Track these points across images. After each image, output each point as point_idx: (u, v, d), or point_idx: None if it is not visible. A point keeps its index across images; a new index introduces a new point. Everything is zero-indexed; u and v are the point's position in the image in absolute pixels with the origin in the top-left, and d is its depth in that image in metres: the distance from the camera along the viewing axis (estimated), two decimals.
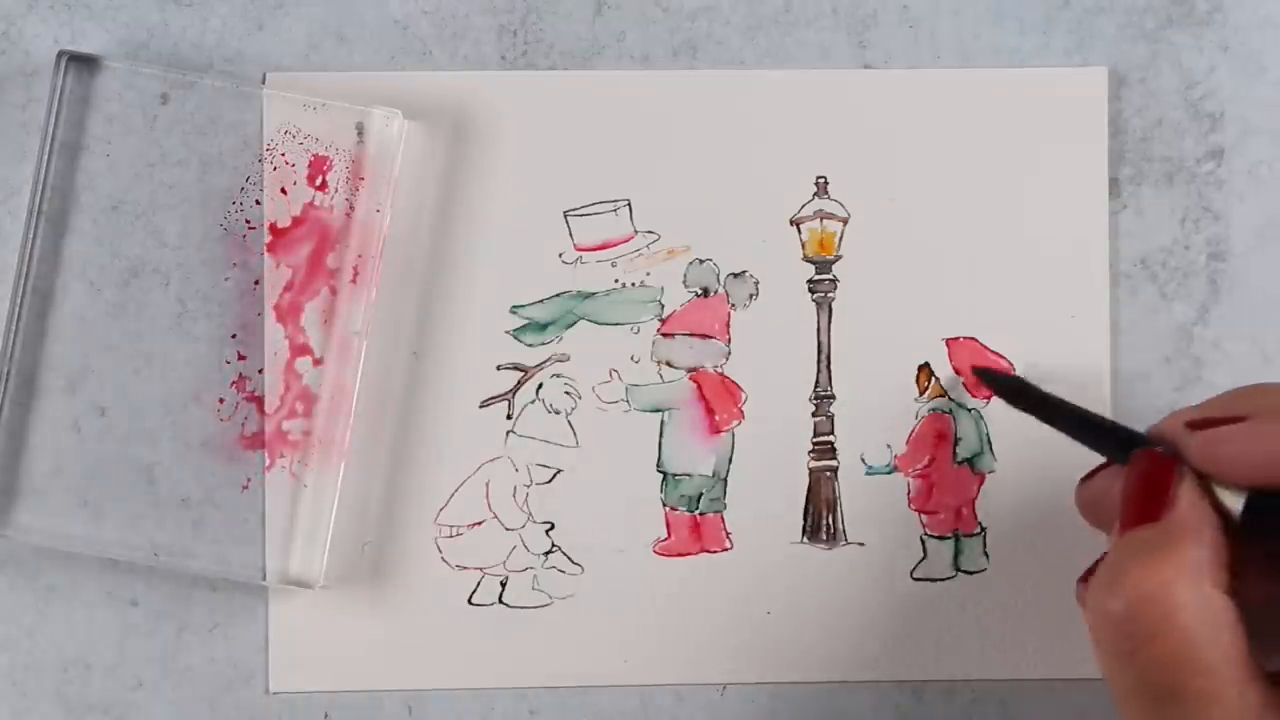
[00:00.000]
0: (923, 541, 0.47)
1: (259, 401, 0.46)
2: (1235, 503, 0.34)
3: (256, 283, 0.47)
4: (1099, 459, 0.39)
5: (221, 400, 0.46)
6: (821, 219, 0.47)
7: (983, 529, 0.47)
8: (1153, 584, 0.32)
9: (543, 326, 0.47)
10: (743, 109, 0.47)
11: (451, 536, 0.47)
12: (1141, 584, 0.32)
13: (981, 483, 0.47)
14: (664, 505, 0.47)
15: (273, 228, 0.46)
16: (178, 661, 0.47)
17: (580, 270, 0.47)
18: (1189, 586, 0.32)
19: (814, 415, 0.47)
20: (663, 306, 0.47)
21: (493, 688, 0.47)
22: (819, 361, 0.47)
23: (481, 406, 0.47)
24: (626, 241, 0.47)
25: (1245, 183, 0.47)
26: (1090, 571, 0.39)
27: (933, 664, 0.47)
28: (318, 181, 0.47)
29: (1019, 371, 0.47)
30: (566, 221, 0.47)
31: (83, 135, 0.46)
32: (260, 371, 0.46)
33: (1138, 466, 0.36)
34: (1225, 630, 0.32)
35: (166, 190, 0.47)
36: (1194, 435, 0.35)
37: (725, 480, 0.47)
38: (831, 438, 0.47)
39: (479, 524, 0.47)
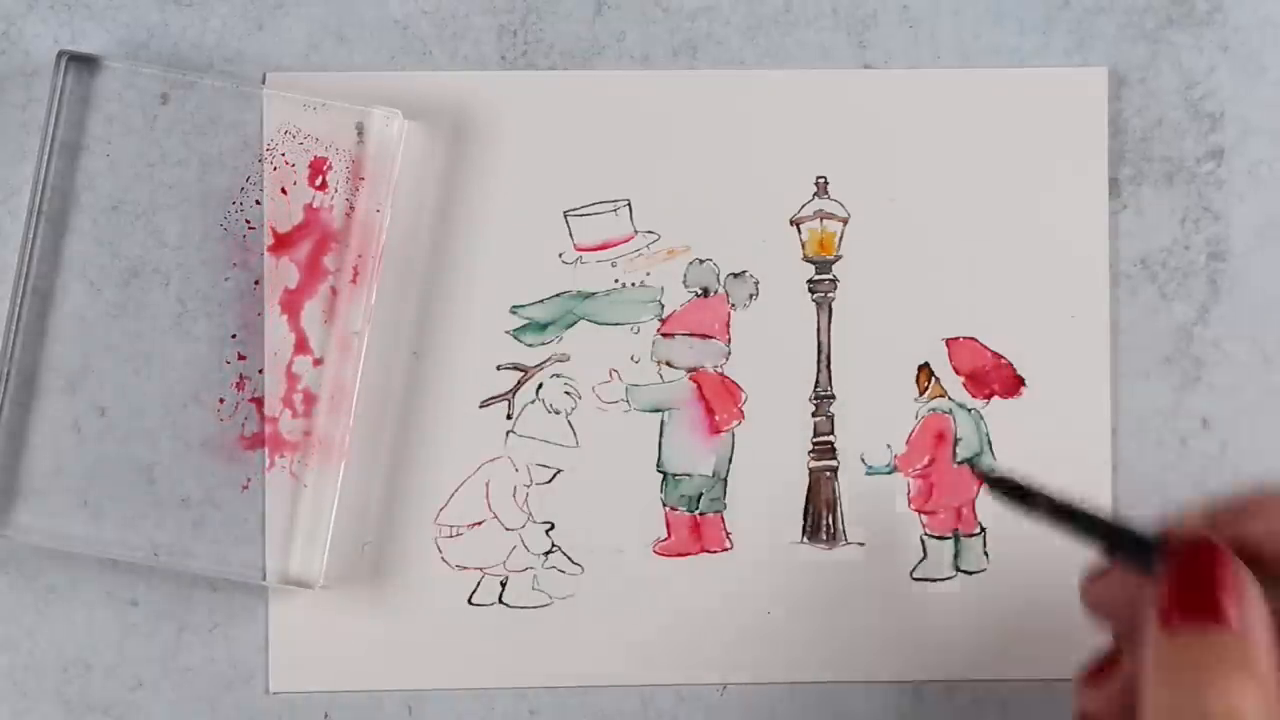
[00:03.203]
0: (923, 541, 0.47)
1: (259, 401, 0.46)
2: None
3: (256, 283, 0.47)
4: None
5: (221, 400, 0.46)
6: (821, 219, 0.47)
7: (983, 529, 0.47)
8: (1238, 699, 0.30)
9: (543, 326, 0.47)
10: (743, 109, 0.47)
11: (451, 536, 0.47)
12: (1226, 702, 0.30)
13: (981, 483, 0.47)
14: (664, 505, 0.47)
15: (273, 228, 0.46)
16: (178, 661, 0.47)
17: (580, 270, 0.47)
18: (1266, 704, 0.30)
19: (814, 415, 0.47)
20: (663, 306, 0.47)
21: (493, 688, 0.47)
22: (819, 361, 0.47)
23: (481, 406, 0.47)
24: (626, 241, 0.47)
25: (1245, 183, 0.47)
26: (1100, 575, 0.37)
27: (933, 664, 0.47)
28: (318, 181, 0.47)
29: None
30: (566, 221, 0.47)
31: (83, 135, 0.46)
32: (260, 371, 0.46)
33: (1184, 557, 0.32)
34: None
35: (166, 190, 0.47)
36: (1219, 519, 0.33)
37: (725, 480, 0.47)
38: (831, 438, 0.47)
39: (479, 524, 0.47)
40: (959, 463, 0.47)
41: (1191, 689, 0.31)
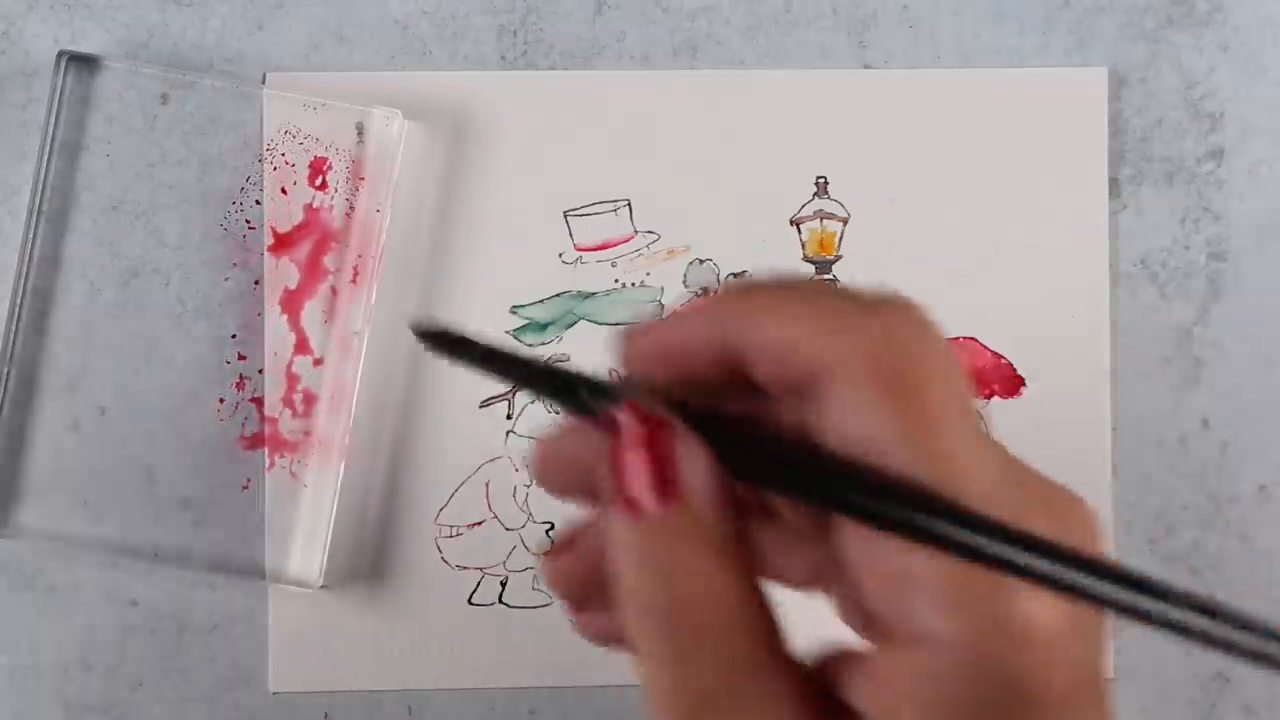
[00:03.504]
0: None
1: (259, 401, 0.46)
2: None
3: (256, 283, 0.47)
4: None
5: (221, 400, 0.46)
6: (821, 219, 0.47)
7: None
8: (699, 581, 0.28)
9: (543, 326, 0.47)
10: (743, 109, 0.47)
11: (451, 536, 0.47)
12: (684, 585, 0.28)
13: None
14: None
15: (273, 228, 0.46)
16: (178, 661, 0.47)
17: (580, 270, 0.47)
18: (732, 577, 0.28)
19: None
20: (663, 306, 0.47)
21: (493, 688, 0.47)
22: None
23: (481, 406, 0.47)
24: (626, 241, 0.47)
25: (1245, 183, 0.47)
26: (564, 548, 0.32)
27: None
28: (318, 181, 0.47)
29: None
30: (566, 221, 0.47)
31: (83, 135, 0.46)
32: (260, 371, 0.46)
33: (627, 426, 0.29)
34: (765, 618, 0.29)
35: (166, 190, 0.47)
36: (635, 345, 0.30)
37: None
38: None
39: (479, 524, 0.47)
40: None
41: (654, 571, 0.28)
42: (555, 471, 0.32)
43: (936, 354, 0.29)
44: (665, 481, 0.29)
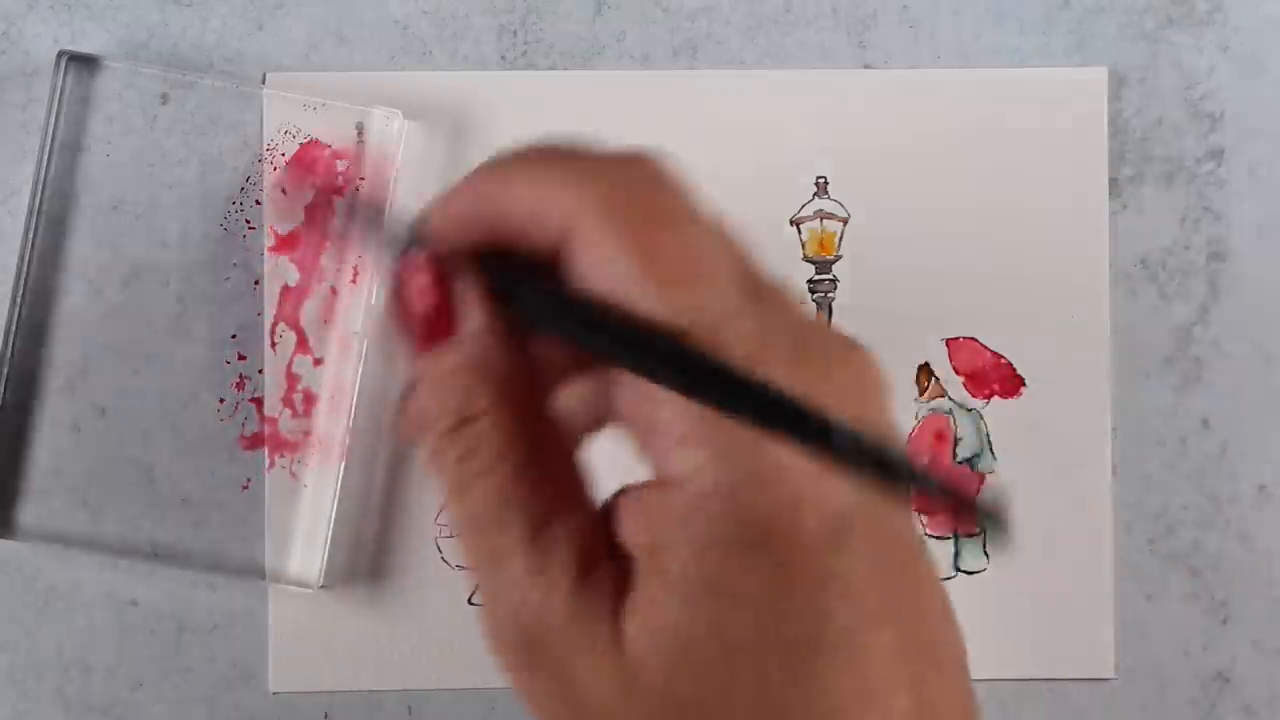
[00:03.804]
0: None
1: (259, 401, 0.46)
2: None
3: (256, 283, 0.47)
4: None
5: (221, 400, 0.46)
6: (821, 219, 0.47)
7: (983, 529, 0.47)
8: (473, 407, 0.29)
9: None
10: (743, 109, 0.47)
11: (452, 536, 0.47)
12: (461, 411, 0.29)
13: (981, 483, 0.47)
14: None
15: (273, 228, 0.46)
16: (178, 661, 0.47)
17: None
18: (504, 406, 0.29)
19: None
20: None
21: (493, 688, 0.47)
22: None
23: None
24: None
25: (1245, 183, 0.47)
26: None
27: None
28: (318, 182, 0.46)
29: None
30: None
31: (83, 135, 0.46)
32: (260, 371, 0.46)
33: (407, 273, 0.31)
34: (541, 452, 0.29)
35: (166, 190, 0.47)
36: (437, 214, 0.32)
37: None
38: None
39: None
40: (958, 463, 0.47)
41: (437, 399, 0.30)
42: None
43: (674, 199, 0.30)
44: (445, 318, 0.30)
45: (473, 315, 0.30)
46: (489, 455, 0.29)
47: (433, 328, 0.30)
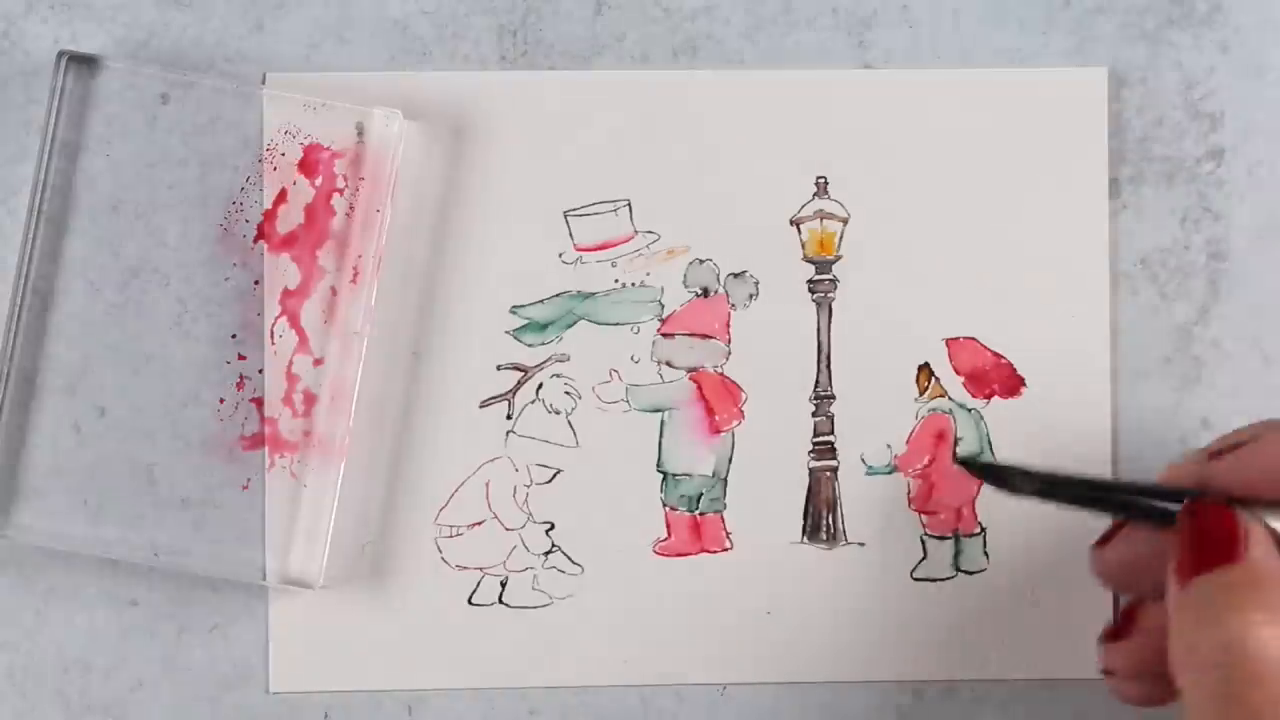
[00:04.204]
0: (923, 541, 0.47)
1: (259, 401, 0.46)
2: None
3: (256, 283, 0.47)
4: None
5: (221, 400, 0.46)
6: (821, 219, 0.47)
7: (983, 529, 0.47)
8: (1251, 626, 0.32)
9: (543, 326, 0.47)
10: (743, 109, 0.47)
11: (451, 536, 0.47)
12: (1239, 628, 0.32)
13: (981, 483, 0.47)
14: (664, 505, 0.47)
15: (273, 228, 0.46)
16: (178, 661, 0.47)
17: (580, 270, 0.47)
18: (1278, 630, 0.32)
19: (814, 415, 0.47)
20: (663, 306, 0.47)
21: (493, 688, 0.47)
22: (819, 361, 0.47)
23: (481, 406, 0.47)
24: (626, 241, 0.47)
25: (1245, 183, 0.47)
26: (1107, 539, 0.40)
27: (933, 664, 0.47)
28: (317, 181, 0.47)
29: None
30: (566, 221, 0.47)
31: (83, 135, 0.46)
32: (260, 371, 0.46)
33: (1195, 519, 0.35)
34: None
35: (166, 190, 0.47)
36: (1222, 461, 0.36)
37: (725, 480, 0.47)
38: (831, 438, 0.47)
39: (479, 524, 0.47)
40: (958, 462, 0.47)
41: (1208, 623, 0.33)
42: (1117, 564, 0.39)
43: None
44: (1220, 550, 0.34)
45: (1259, 542, 0.34)
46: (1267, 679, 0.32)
47: (1202, 554, 0.35)
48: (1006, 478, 0.39)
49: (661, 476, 0.47)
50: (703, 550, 0.47)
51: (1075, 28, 0.47)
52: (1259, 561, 0.34)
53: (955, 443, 0.47)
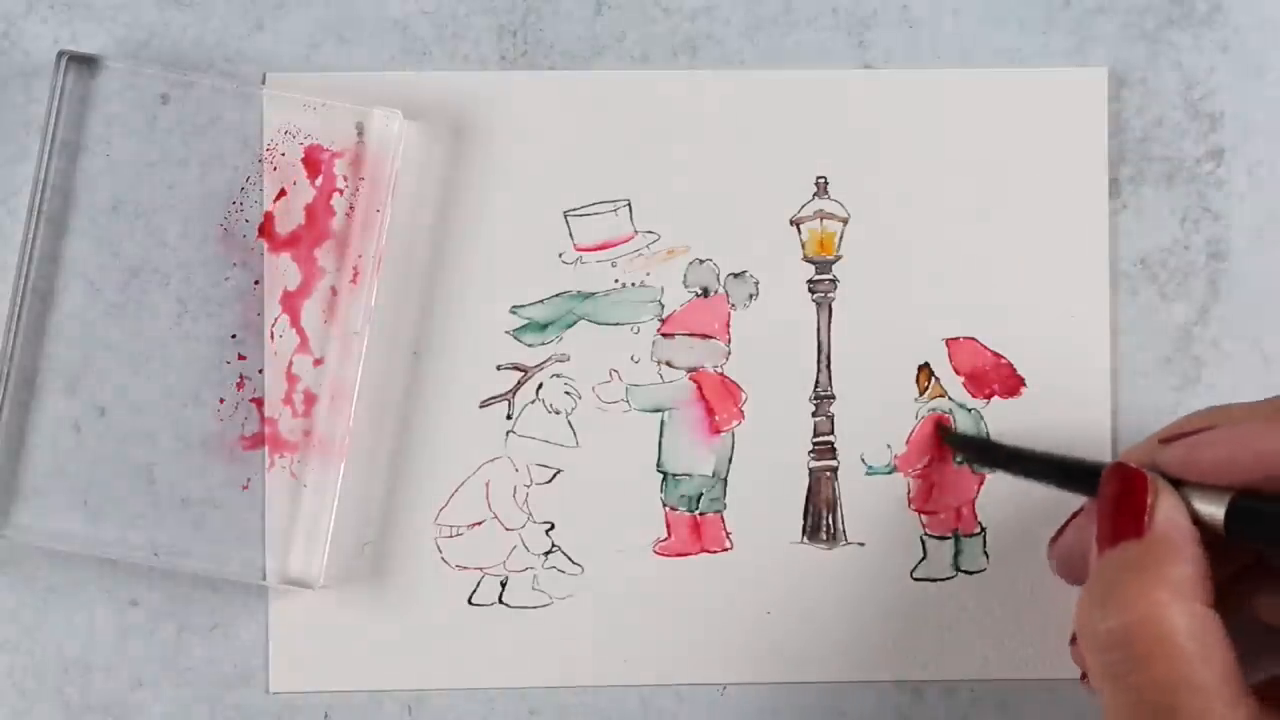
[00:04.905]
0: (923, 541, 0.47)
1: (259, 401, 0.46)
2: (1215, 512, 0.34)
3: (256, 283, 0.47)
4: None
5: (221, 400, 0.46)
6: (821, 219, 0.47)
7: (983, 529, 0.47)
8: (1145, 604, 0.32)
9: (543, 326, 0.47)
10: (743, 109, 0.47)
11: (451, 536, 0.47)
12: (1133, 605, 0.32)
13: (981, 483, 0.47)
14: (664, 505, 0.47)
15: (273, 228, 0.46)
16: (178, 661, 0.47)
17: (580, 270, 0.47)
18: (1180, 605, 0.32)
19: (814, 415, 0.47)
20: (663, 306, 0.47)
21: (493, 688, 0.47)
22: (819, 361, 0.47)
23: (481, 406, 0.47)
24: (626, 241, 0.47)
25: (1245, 183, 0.47)
26: (1060, 532, 0.40)
27: (933, 664, 0.47)
28: (317, 181, 0.47)
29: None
30: (566, 221, 0.47)
31: (83, 135, 0.46)
32: (260, 371, 0.46)
33: (1111, 484, 0.35)
34: (1216, 648, 0.32)
35: (166, 190, 0.47)
36: (1170, 448, 0.36)
37: (725, 480, 0.47)
38: (831, 438, 0.47)
39: (479, 524, 0.47)
40: (959, 463, 0.47)
41: (1103, 599, 0.33)
42: (1063, 557, 0.40)
43: None
44: (1135, 520, 0.34)
45: (1164, 514, 0.34)
46: (1154, 654, 0.32)
47: (1112, 526, 0.35)
48: (979, 449, 0.43)
49: (661, 476, 0.47)
50: (703, 550, 0.47)
51: (1075, 28, 0.47)
52: (1160, 536, 0.33)
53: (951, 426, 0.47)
